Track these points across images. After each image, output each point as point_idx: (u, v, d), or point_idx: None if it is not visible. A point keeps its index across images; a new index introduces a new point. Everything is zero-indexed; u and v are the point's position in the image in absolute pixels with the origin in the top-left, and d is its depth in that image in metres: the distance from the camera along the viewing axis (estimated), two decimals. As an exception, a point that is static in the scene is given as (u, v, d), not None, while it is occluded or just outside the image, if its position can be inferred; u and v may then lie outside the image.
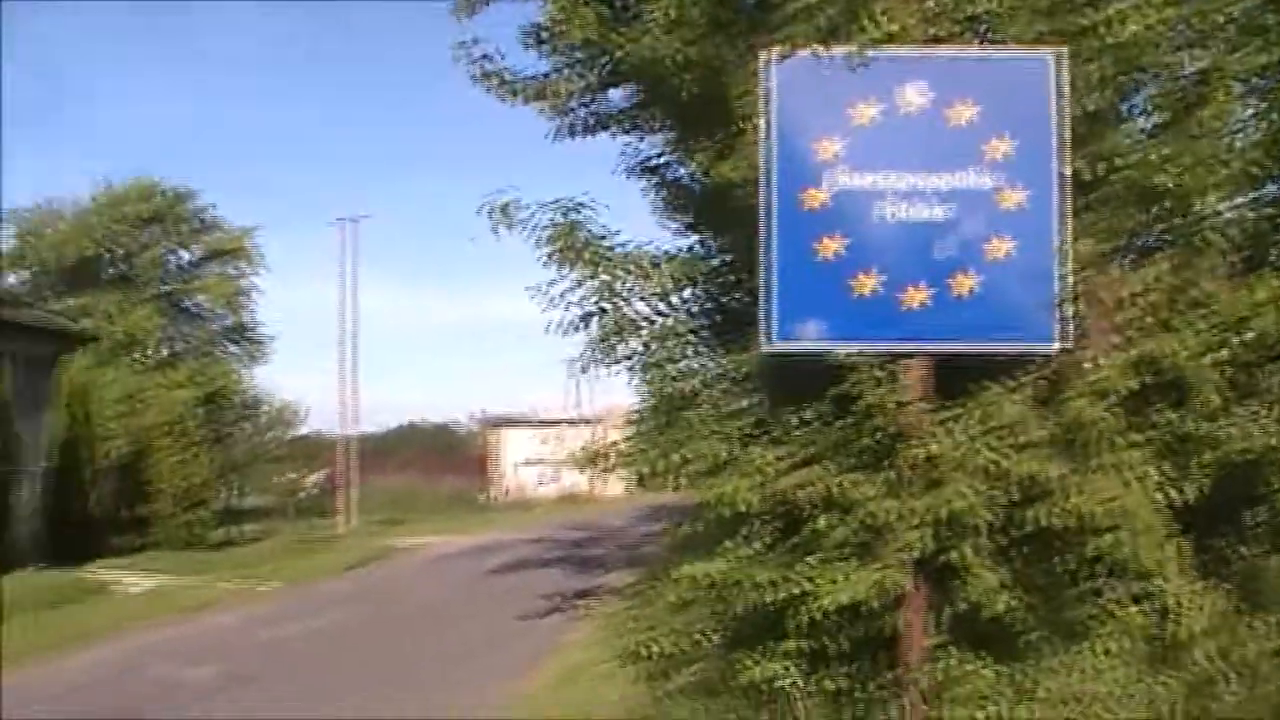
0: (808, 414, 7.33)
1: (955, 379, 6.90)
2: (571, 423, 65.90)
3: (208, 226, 58.34)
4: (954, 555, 6.48)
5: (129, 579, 23.50)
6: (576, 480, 73.31)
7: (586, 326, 8.65)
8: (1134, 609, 7.80)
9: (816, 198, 6.95)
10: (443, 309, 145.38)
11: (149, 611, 20.02)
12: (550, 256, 8.40)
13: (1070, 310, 7.07)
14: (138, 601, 21.26)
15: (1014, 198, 6.96)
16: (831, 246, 6.91)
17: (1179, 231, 7.65)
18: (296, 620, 19.27)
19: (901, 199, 6.94)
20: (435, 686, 13.58)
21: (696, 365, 8.74)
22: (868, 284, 6.88)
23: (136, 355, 52.08)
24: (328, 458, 58.15)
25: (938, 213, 6.93)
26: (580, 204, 8.47)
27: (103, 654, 15.96)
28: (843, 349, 6.78)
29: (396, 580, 27.53)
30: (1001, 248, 6.93)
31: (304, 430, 70.05)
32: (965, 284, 6.91)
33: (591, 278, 8.46)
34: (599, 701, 10.42)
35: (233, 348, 59.75)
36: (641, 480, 8.97)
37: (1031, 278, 6.95)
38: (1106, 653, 7.59)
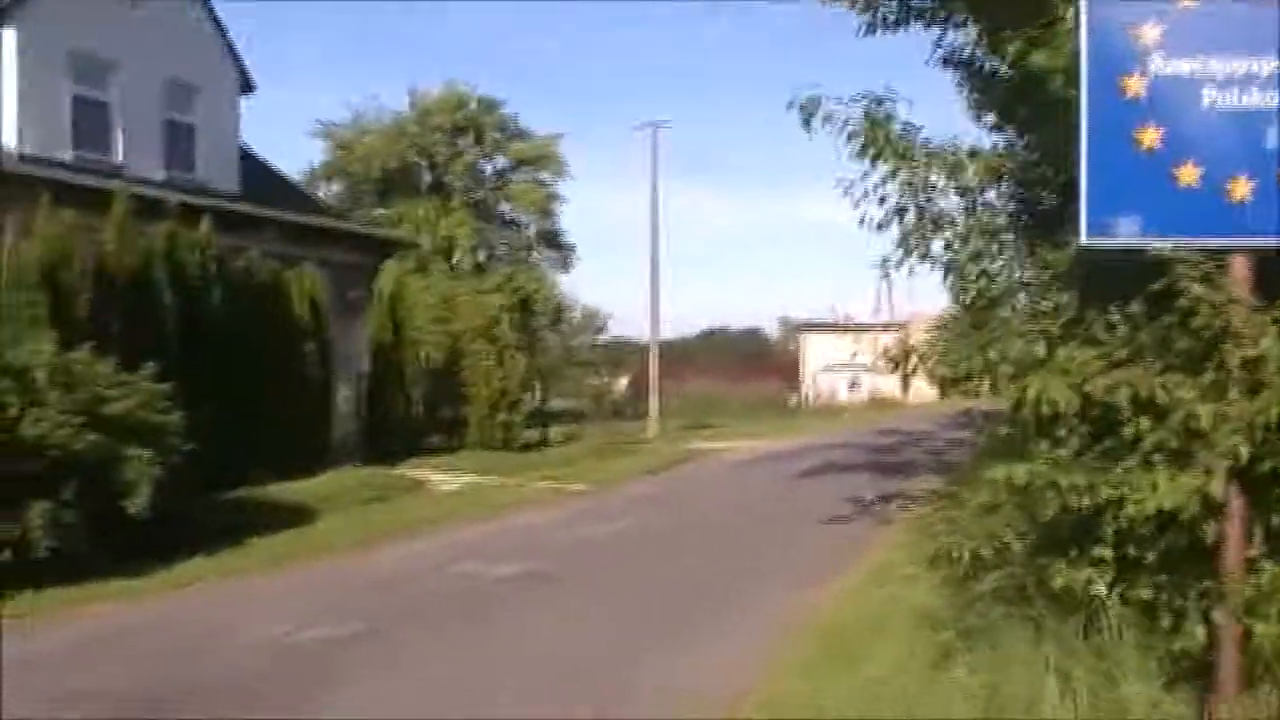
0: (1124, 313, 7.08)
1: (1283, 277, 6.56)
2: (878, 328, 65.52)
3: (515, 135, 59.52)
4: (1276, 463, 6.18)
5: (442, 478, 24.42)
6: (884, 385, 73.15)
7: (896, 223, 8.57)
8: None
9: (1134, 85, 6.64)
10: (746, 213, 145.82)
11: (460, 509, 20.84)
12: (857, 151, 8.33)
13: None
14: (450, 500, 22.13)
15: (1349, 81, 6.52)
16: (1150, 137, 6.60)
17: None
18: (604, 521, 19.70)
19: (1225, 86, 6.56)
20: (739, 589, 13.71)
21: (1006, 263, 8.56)
22: (1189, 175, 6.56)
23: (449, 262, 53.71)
24: (634, 363, 59.16)
25: (1264, 100, 6.54)
26: (886, 97, 8.37)
27: (414, 549, 16.69)
28: (1162, 244, 6.49)
29: (702, 483, 27.84)
30: (1334, 137, 6.52)
31: (610, 336, 71.60)
32: (1295, 175, 6.53)
33: (899, 172, 8.36)
34: (905, 603, 10.38)
35: (542, 255, 61.09)
36: (950, 382, 8.85)
37: (1367, 169, 6.52)
38: None
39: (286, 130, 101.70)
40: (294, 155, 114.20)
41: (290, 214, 26.06)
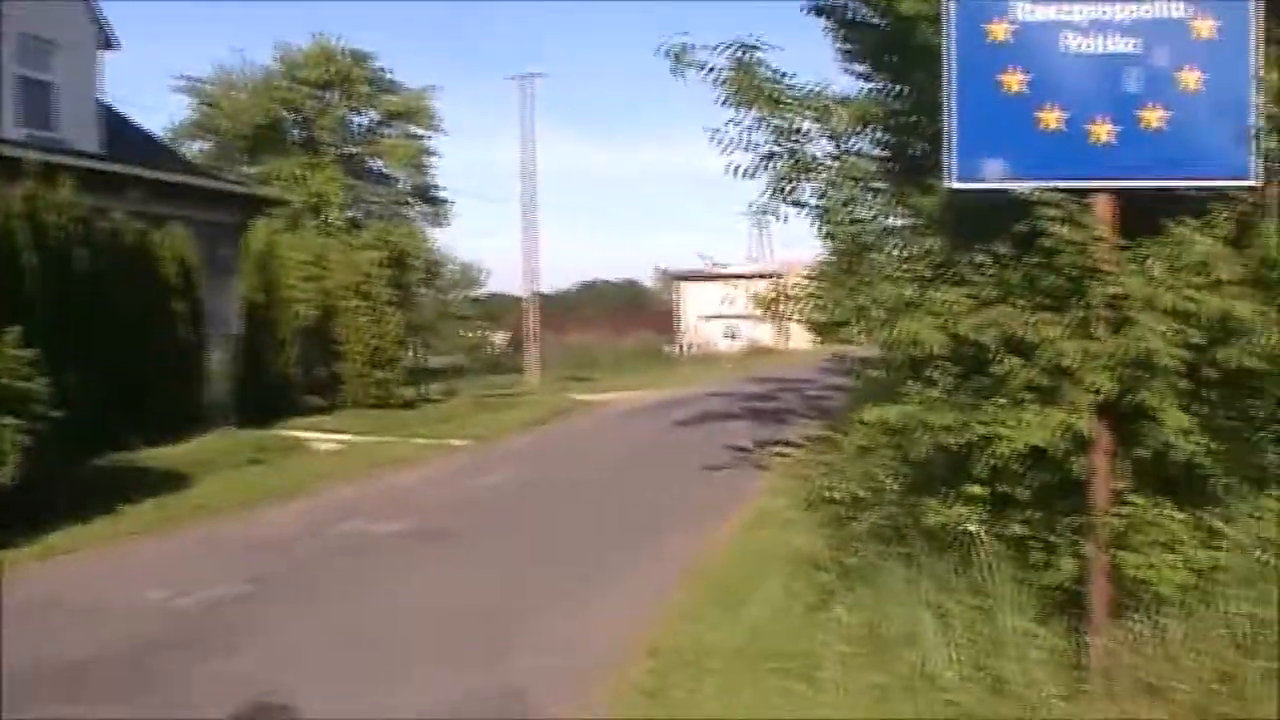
0: (991, 254, 7.21)
1: (1144, 216, 6.69)
2: (754, 276, 65.80)
3: (386, 89, 58.84)
4: (1142, 398, 6.34)
5: (321, 437, 24.12)
6: (762, 334, 73.64)
7: (766, 169, 8.63)
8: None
9: (999, 31, 6.74)
10: (621, 164, 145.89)
11: (341, 469, 20.56)
12: (728, 98, 8.38)
13: (1264, 144, 6.81)
14: (330, 459, 21.83)
15: (1205, 26, 6.65)
16: (1014, 81, 6.71)
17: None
18: (487, 474, 19.72)
19: (1087, 30, 6.69)
20: (623, 536, 13.82)
21: (877, 209, 8.67)
22: (1052, 118, 6.68)
23: (322, 219, 53.10)
24: (512, 317, 59.02)
25: (1125, 44, 6.68)
26: (755, 45, 8.41)
27: (295, 509, 16.50)
28: (1027, 185, 6.61)
29: (584, 434, 27.94)
30: (1192, 79, 6.65)
31: (487, 290, 71.31)
32: (1154, 117, 6.66)
33: (768, 118, 8.42)
34: (785, 547, 10.52)
35: (415, 210, 60.55)
36: (825, 328, 8.96)
37: (1224, 110, 6.66)
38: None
39: (151, 88, 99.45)
40: (159, 113, 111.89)
41: (156, 172, 25.53)
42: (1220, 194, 6.75)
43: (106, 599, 11.01)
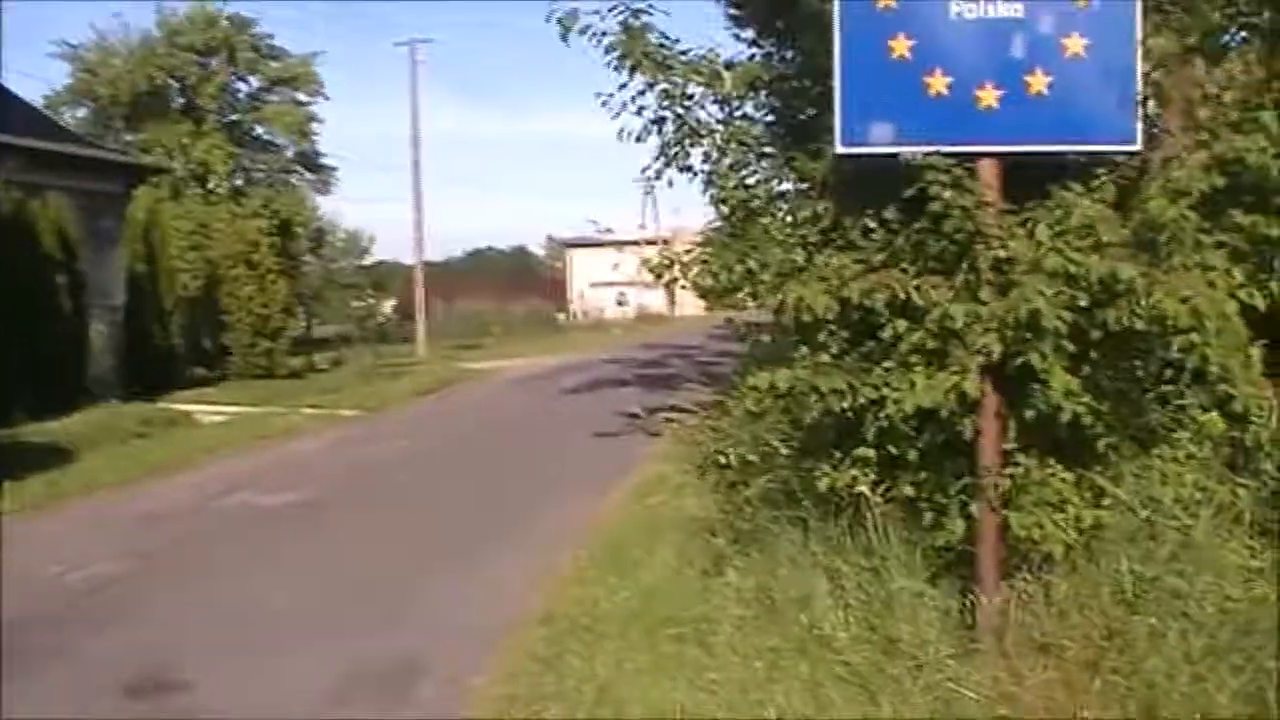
0: (879, 219, 7.26)
1: (1029, 181, 6.77)
2: (643, 243, 65.90)
3: (270, 55, 58.14)
4: (1028, 359, 6.42)
5: (207, 409, 23.81)
6: (652, 300, 73.83)
7: (655, 134, 8.63)
8: (1212, 414, 7.77)
9: (887, -4, 6.78)
10: (509, 132, 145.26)
11: (228, 441, 20.37)
12: (616, 63, 8.37)
13: (1147, 109, 6.91)
14: (216, 431, 21.57)
15: (1089, -8, 6.74)
16: (902, 46, 6.74)
17: (1262, 27, 7.43)
18: (376, 444, 19.63)
19: (972, -5, 6.76)
20: (516, 504, 13.81)
21: (765, 174, 8.69)
22: (938, 84, 6.72)
23: (206, 187, 52.37)
24: (400, 286, 58.62)
25: (1010, 10, 6.73)
26: (643, 9, 8.39)
27: (183, 483, 16.30)
28: (914, 150, 6.65)
29: (474, 403, 27.89)
30: (1076, 45, 6.72)
31: (374, 259, 70.78)
32: (1039, 83, 6.72)
33: (657, 82, 8.42)
34: (677, 512, 10.56)
35: (300, 177, 59.94)
36: (715, 294, 8.97)
37: (1108, 76, 6.74)
38: (1185, 459, 7.57)
39: (27, 53, 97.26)
40: (36, 79, 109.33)
41: (33, 140, 25.04)
42: (1104, 158, 6.83)
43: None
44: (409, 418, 24.48)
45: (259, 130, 58.69)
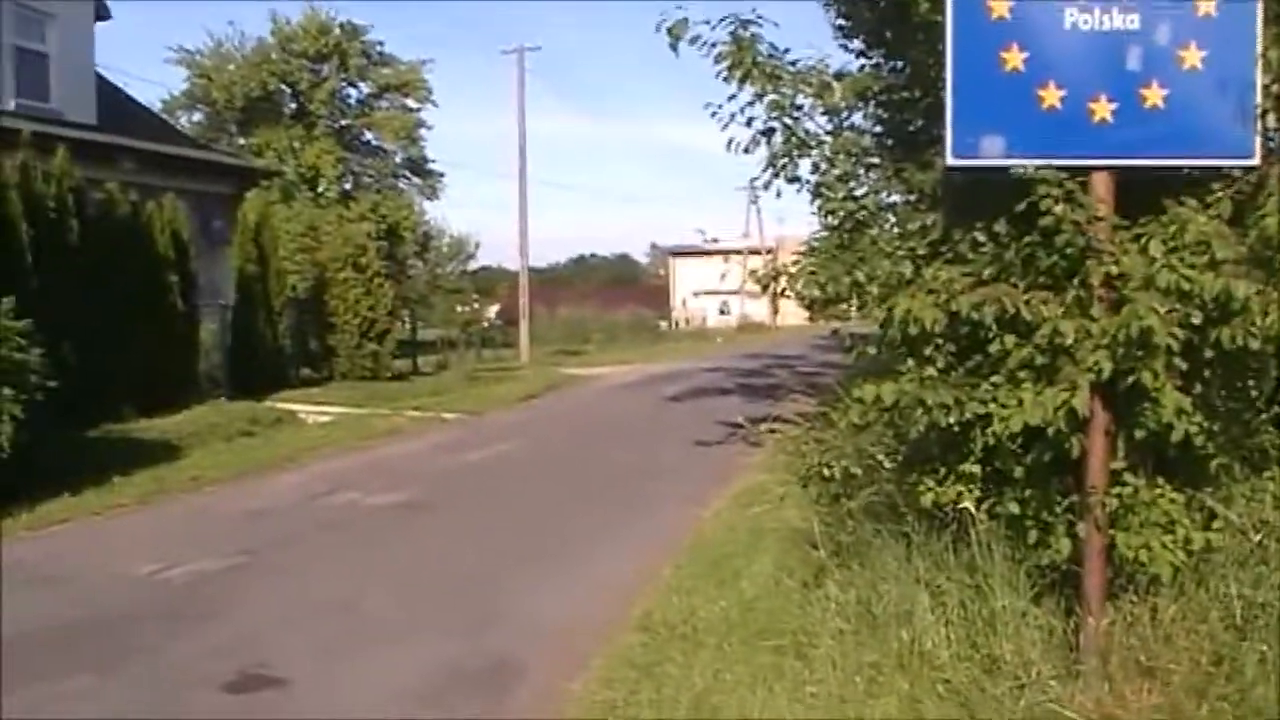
0: (989, 232, 7.18)
1: (1144, 196, 6.67)
2: (747, 252, 65.81)
3: (380, 61, 58.79)
4: (1139, 378, 6.32)
5: (312, 409, 24.06)
6: (754, 310, 73.67)
7: (763, 144, 8.62)
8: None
9: (999, 7, 6.69)
10: (614, 137, 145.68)
11: (333, 440, 20.60)
12: (725, 73, 8.38)
13: (1266, 123, 6.78)
14: (321, 431, 21.82)
15: (1207, 3, 6.61)
16: (1014, 58, 6.66)
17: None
18: (479, 448, 19.69)
19: (1088, 7, 6.65)
20: (615, 511, 13.82)
21: (873, 185, 8.65)
22: (1051, 96, 6.64)
23: (315, 191, 53.03)
24: (504, 291, 58.89)
25: (1126, 21, 6.63)
26: (752, 20, 8.39)
27: (288, 481, 16.51)
28: (1025, 163, 6.58)
29: (575, 409, 27.94)
30: (1193, 57, 6.61)
31: (479, 264, 71.22)
32: (1154, 95, 6.62)
33: (766, 93, 8.41)
34: (777, 522, 10.52)
35: (408, 182, 60.51)
36: (819, 304, 8.93)
37: (1225, 88, 6.62)
38: (1295, 481, 7.43)
39: (146, 59, 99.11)
40: (154, 85, 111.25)
41: (150, 144, 25.50)
42: (1220, 173, 6.73)
43: (97, 570, 10.99)
44: (511, 422, 24.57)
45: (368, 135, 59.38)
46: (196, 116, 56.36)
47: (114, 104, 25.97)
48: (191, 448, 18.13)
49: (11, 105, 22.20)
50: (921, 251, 7.82)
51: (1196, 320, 6.25)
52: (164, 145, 26.68)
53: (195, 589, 10.40)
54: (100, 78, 25.85)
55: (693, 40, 8.38)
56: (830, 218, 8.69)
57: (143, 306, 21.00)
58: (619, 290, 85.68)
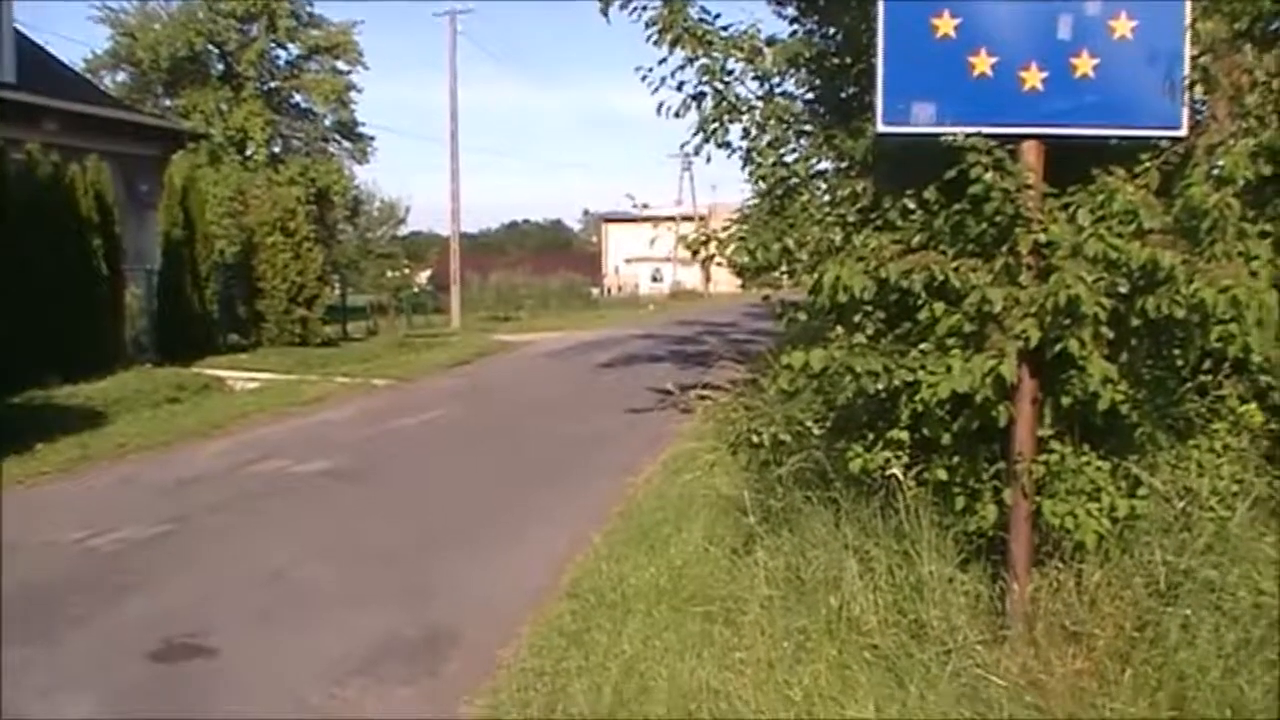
0: (919, 200, 7.18)
1: (1072, 164, 6.69)
2: (679, 219, 65.81)
3: (309, 22, 58.11)
4: (1066, 346, 6.35)
5: (240, 376, 23.87)
6: (687, 277, 73.76)
7: (694, 109, 8.59)
8: (1250, 406, 7.71)
9: (931, -26, 6.70)
10: (547, 103, 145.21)
11: (261, 407, 20.41)
12: (656, 37, 8.35)
13: (1193, 95, 6.81)
14: (249, 398, 21.63)
15: (1138, -27, 6.64)
16: (946, 25, 6.65)
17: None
18: (408, 415, 19.60)
19: (1019, -25, 6.67)
20: (545, 478, 13.80)
21: (805, 151, 8.64)
22: (982, 64, 6.64)
23: (244, 154, 52.42)
24: (436, 256, 58.61)
25: (1057, -10, 6.65)
26: (684, -16, 8.37)
27: (214, 449, 16.34)
28: (956, 130, 6.58)
29: (507, 375, 27.87)
30: (1124, 27, 6.62)
31: (410, 229, 70.82)
32: (1085, 65, 6.63)
33: (697, 57, 8.39)
34: (706, 489, 10.53)
35: (338, 146, 59.94)
36: (750, 271, 8.92)
37: (1155, 59, 6.63)
38: (1222, 450, 7.51)
39: (67, 17, 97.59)
40: (76, 44, 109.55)
41: (73, 104, 25.11)
42: (1148, 143, 6.75)
43: (21, 539, 10.82)
44: (442, 388, 24.48)
45: (297, 98, 58.71)
46: (121, 77, 55.45)
47: (35, 62, 25.50)
48: (117, 414, 17.92)
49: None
50: (851, 218, 7.82)
51: (1123, 289, 6.29)
52: (87, 106, 26.27)
53: (122, 558, 10.28)
54: (20, 35, 25.35)
55: (624, 4, 8.34)
56: (761, 184, 8.68)
57: (65, 270, 20.67)
58: (551, 256, 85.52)
